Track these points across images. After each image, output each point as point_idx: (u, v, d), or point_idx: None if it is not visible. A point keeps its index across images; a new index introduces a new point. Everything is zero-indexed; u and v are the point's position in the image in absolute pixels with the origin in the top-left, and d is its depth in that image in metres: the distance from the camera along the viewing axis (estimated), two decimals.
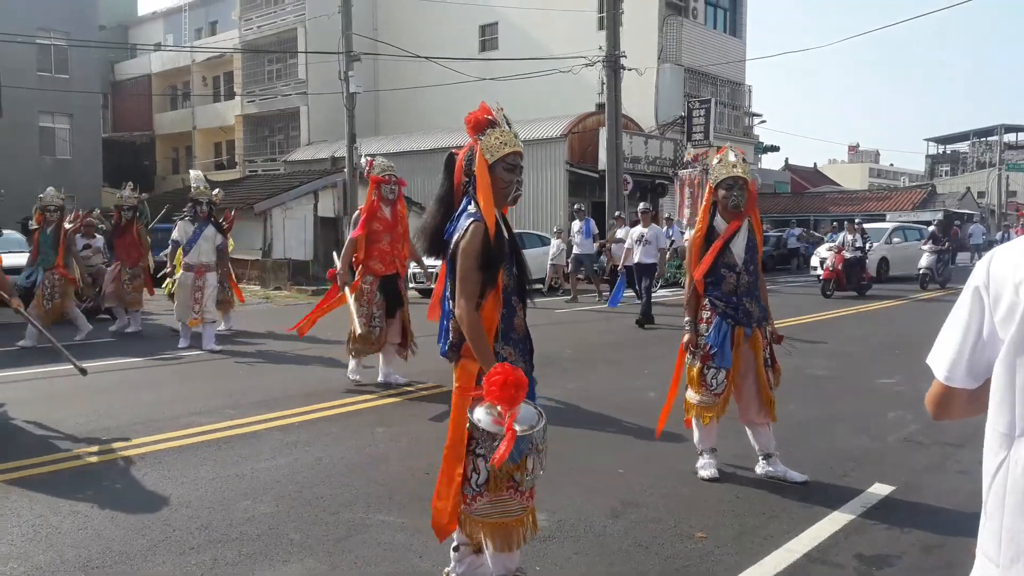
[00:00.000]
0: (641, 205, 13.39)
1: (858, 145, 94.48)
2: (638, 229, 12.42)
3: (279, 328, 11.00)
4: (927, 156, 68.60)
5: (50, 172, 28.37)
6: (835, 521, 4.04)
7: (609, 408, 6.44)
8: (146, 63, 39.77)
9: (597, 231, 16.84)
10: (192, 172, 10.62)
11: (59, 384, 7.36)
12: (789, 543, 3.77)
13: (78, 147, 30.08)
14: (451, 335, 3.00)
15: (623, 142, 22.11)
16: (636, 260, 12.22)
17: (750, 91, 32.29)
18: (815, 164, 60.63)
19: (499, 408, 2.69)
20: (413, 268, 18.89)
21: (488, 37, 31.08)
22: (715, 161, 4.66)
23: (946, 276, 19.15)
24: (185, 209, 9.89)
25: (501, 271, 2.88)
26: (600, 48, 20.82)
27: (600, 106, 23.14)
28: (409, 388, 7.19)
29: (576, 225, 16.54)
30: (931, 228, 20.41)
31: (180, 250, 9.67)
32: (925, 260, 18.98)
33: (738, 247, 4.60)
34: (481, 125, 2.95)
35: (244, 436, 5.58)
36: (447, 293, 3.06)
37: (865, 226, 18.64)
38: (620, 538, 3.80)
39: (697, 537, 3.83)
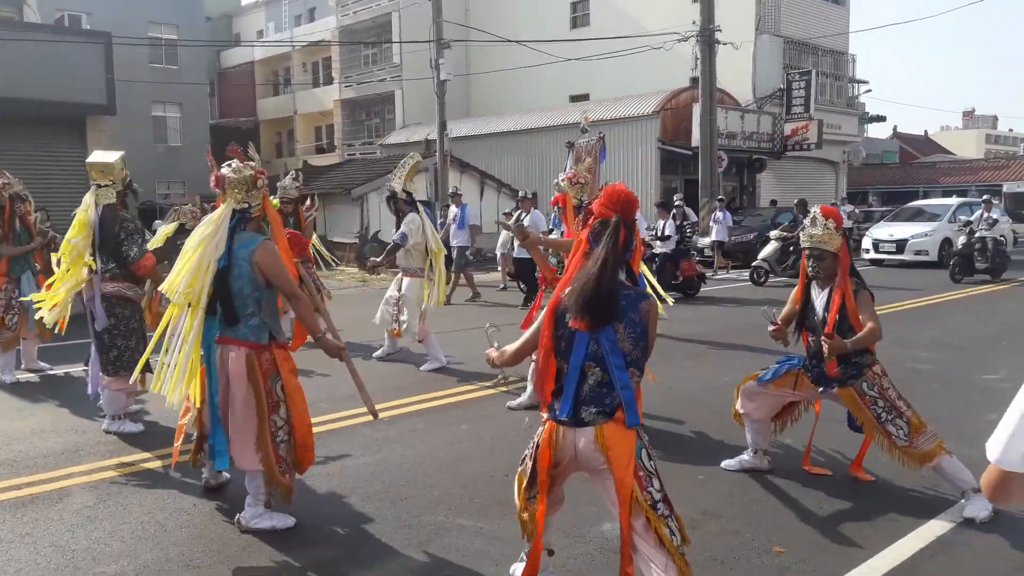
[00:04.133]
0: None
1: (973, 110, 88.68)
2: None
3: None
4: None
5: (163, 159, 30.03)
6: (921, 537, 3.92)
7: (687, 408, 6.40)
8: (249, 51, 41.29)
9: (474, 222, 14.45)
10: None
11: None
12: (871, 560, 3.70)
13: (188, 134, 31.57)
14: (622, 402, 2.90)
15: (718, 117, 21.57)
16: None
17: (854, 60, 30.73)
18: (926, 132, 57.60)
19: None
20: None
21: (579, 14, 30.75)
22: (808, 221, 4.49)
23: (792, 265, 14.38)
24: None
25: None
26: (694, 22, 20.33)
27: (694, 80, 22.57)
28: (487, 384, 7.32)
29: (452, 211, 14.32)
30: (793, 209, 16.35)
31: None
32: (766, 249, 14.92)
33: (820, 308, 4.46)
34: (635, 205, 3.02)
35: (336, 431, 5.83)
36: (615, 362, 2.87)
37: (687, 208, 15.03)
38: (696, 551, 3.76)
39: (775, 552, 3.80)
